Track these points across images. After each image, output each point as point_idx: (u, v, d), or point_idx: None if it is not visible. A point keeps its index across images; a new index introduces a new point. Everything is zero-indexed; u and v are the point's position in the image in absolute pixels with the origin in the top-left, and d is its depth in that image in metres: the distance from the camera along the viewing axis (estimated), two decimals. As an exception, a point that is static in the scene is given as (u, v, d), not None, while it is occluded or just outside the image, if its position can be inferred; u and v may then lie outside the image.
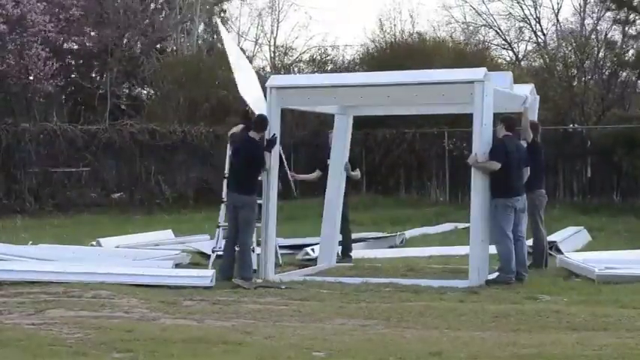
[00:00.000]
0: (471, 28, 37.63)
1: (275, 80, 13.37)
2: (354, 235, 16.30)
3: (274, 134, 12.40)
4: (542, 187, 13.39)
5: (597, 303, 10.19)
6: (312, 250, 14.92)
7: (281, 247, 15.16)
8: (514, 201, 11.83)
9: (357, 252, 15.30)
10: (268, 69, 35.16)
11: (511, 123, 12.12)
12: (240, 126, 12.87)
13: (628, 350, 7.73)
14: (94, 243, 15.68)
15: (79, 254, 13.96)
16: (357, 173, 14.85)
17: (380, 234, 17.75)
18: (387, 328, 8.94)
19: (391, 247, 16.77)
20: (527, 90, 13.51)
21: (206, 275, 11.74)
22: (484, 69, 11.96)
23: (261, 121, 12.40)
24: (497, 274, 11.81)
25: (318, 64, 32.83)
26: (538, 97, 13.80)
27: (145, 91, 33.49)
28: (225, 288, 11.47)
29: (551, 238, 14.39)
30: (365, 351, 7.78)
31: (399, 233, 17.60)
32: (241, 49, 37.78)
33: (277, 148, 12.57)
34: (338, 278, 12.20)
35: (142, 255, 13.71)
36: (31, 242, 15.19)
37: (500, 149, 11.76)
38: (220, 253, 13.07)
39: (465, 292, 11.04)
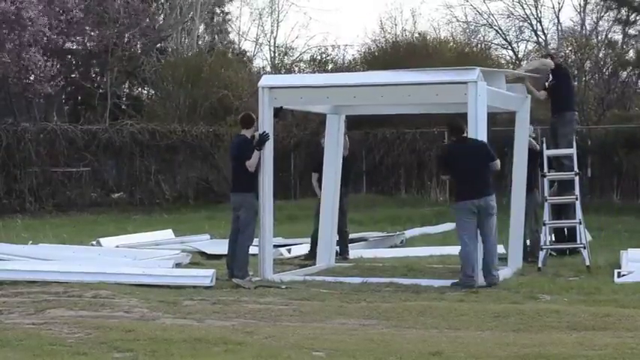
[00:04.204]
0: (471, 27, 37.63)
1: (267, 80, 13.31)
2: (354, 235, 16.34)
3: (265, 131, 12.36)
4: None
5: (597, 303, 10.19)
6: (288, 250, 15.08)
7: (280, 246, 15.22)
8: (469, 204, 11.66)
9: (357, 252, 15.33)
10: (269, 69, 35.18)
11: (453, 128, 12.06)
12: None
13: (628, 350, 7.73)
14: (94, 243, 15.69)
15: (79, 254, 13.96)
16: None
17: (380, 234, 17.75)
18: (387, 328, 8.94)
19: (391, 247, 16.77)
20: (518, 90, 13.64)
21: (206, 275, 11.74)
22: (477, 69, 11.91)
23: (243, 118, 12.70)
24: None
25: (319, 64, 32.83)
26: (529, 96, 13.82)
27: (145, 91, 33.49)
28: (225, 288, 11.48)
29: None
30: (365, 351, 7.78)
31: (398, 233, 17.61)
32: (240, 48, 38.01)
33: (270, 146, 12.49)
34: (338, 278, 12.19)
35: (142, 255, 13.71)
36: (31, 242, 15.20)
37: (439, 159, 11.85)
38: None
39: (465, 292, 11.05)
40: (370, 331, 8.79)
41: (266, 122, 12.43)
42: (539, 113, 20.54)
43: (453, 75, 12.40)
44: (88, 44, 29.65)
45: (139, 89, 33.88)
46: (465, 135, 11.78)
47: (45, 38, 24.92)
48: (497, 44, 37.14)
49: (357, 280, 12.03)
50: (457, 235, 11.95)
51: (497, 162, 11.95)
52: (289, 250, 15.30)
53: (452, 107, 13.66)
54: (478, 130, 11.67)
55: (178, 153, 26.90)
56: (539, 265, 13.21)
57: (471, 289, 11.19)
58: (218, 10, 38.27)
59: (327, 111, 14.15)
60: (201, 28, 36.34)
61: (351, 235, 16.19)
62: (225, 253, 12.75)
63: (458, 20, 37.75)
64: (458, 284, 11.47)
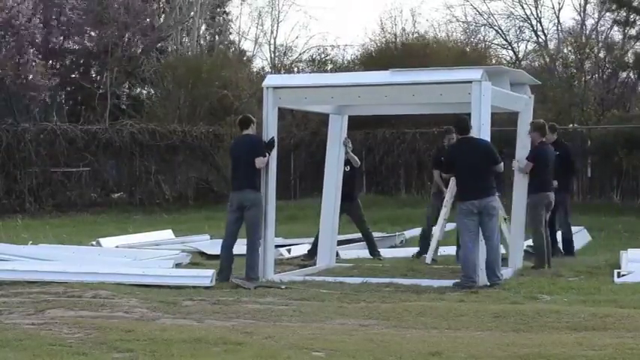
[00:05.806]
0: (471, 27, 37.64)
1: (272, 80, 13.29)
2: (353, 235, 16.33)
3: (272, 137, 12.36)
4: (547, 190, 13.40)
5: (597, 303, 10.19)
6: (288, 250, 15.11)
7: (280, 247, 15.22)
8: (469, 205, 11.65)
9: (357, 252, 15.32)
10: (268, 69, 35.18)
11: (458, 126, 12.02)
12: None
13: (628, 350, 7.73)
14: (94, 243, 15.69)
15: (79, 254, 13.96)
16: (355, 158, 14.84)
17: (380, 234, 17.74)
18: (386, 328, 8.93)
19: (391, 247, 16.76)
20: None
21: (206, 275, 11.74)
22: (482, 69, 11.93)
23: (242, 120, 12.62)
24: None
25: (318, 64, 32.82)
26: (533, 96, 13.80)
27: (145, 91, 33.49)
28: (225, 288, 11.48)
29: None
30: (365, 351, 7.78)
31: (398, 233, 17.60)
32: (240, 48, 38.00)
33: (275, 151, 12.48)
34: (338, 278, 12.19)
35: (142, 255, 13.70)
36: (31, 242, 15.19)
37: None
38: None
39: (465, 292, 11.05)
40: (370, 331, 8.79)
41: (270, 122, 12.42)
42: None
43: (457, 74, 12.40)
44: (87, 44, 29.65)
45: (139, 89, 33.88)
46: (469, 135, 11.79)
47: (38, 39, 24.88)
48: (498, 44, 37.17)
49: (357, 280, 12.03)
50: (459, 235, 11.94)
51: (501, 165, 12.00)
52: (289, 250, 15.30)
53: (456, 107, 13.66)
54: (482, 129, 11.67)
55: (178, 153, 26.91)
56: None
57: (470, 290, 11.19)
58: (218, 10, 38.25)
59: (329, 111, 14.11)
60: (202, 28, 36.31)
61: (352, 236, 16.20)
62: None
63: (458, 20, 37.80)
64: (458, 284, 11.48)
